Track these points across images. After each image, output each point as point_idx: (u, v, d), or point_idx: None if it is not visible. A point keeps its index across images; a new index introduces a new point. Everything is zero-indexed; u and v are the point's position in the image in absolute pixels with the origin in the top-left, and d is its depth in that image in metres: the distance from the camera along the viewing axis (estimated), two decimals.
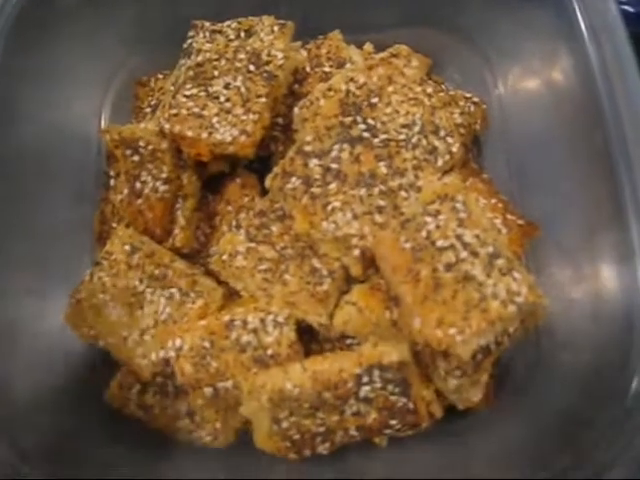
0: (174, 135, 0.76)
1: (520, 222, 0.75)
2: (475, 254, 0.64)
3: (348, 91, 0.75)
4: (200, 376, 0.70)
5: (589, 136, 0.74)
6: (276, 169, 0.73)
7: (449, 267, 0.64)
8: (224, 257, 0.76)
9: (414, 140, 0.73)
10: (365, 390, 0.66)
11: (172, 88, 0.79)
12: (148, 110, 0.90)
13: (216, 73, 0.77)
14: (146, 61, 0.95)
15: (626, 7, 1.00)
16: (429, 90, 0.76)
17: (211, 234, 0.83)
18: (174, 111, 0.76)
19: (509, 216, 0.75)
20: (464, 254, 0.64)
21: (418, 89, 0.76)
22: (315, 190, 0.71)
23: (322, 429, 0.68)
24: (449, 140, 0.74)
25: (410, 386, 0.66)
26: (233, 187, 0.84)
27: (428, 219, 0.67)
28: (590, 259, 0.74)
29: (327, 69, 0.84)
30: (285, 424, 0.68)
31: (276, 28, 0.80)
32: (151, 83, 0.93)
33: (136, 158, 0.79)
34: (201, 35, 0.81)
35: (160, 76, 0.93)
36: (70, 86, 0.92)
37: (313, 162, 0.72)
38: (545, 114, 0.83)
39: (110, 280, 0.75)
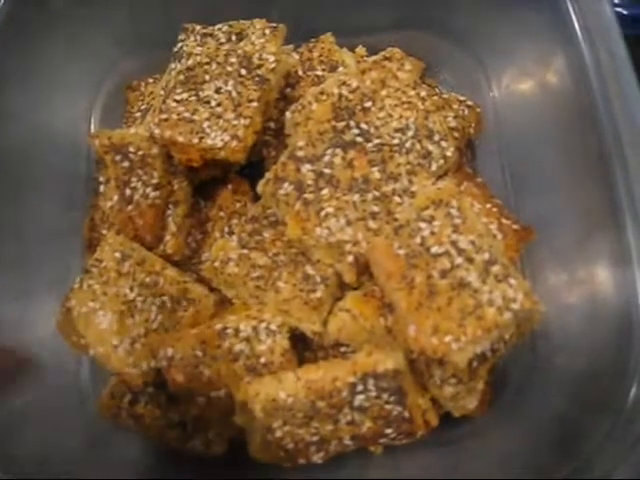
0: (164, 140, 0.75)
1: (515, 227, 0.74)
2: (470, 260, 0.63)
3: (341, 95, 0.74)
4: (192, 385, 0.69)
5: (584, 139, 0.74)
6: (268, 174, 0.72)
7: (444, 274, 0.63)
8: (216, 264, 0.75)
9: (408, 144, 0.73)
10: (360, 399, 0.65)
11: (162, 92, 0.78)
12: (138, 115, 0.89)
13: (207, 77, 0.76)
14: (137, 65, 0.94)
15: (619, 9, 0.99)
16: (423, 94, 0.75)
17: (203, 240, 0.82)
18: (164, 116, 0.75)
19: (504, 221, 0.75)
20: (459, 260, 0.63)
21: (412, 93, 0.75)
22: (308, 196, 0.70)
23: (316, 438, 0.67)
24: (443, 144, 0.74)
25: (405, 395, 0.65)
26: (225, 193, 0.83)
27: (422, 225, 0.66)
28: (585, 263, 0.74)
29: (319, 73, 0.83)
30: (279, 433, 0.67)
31: (268, 31, 0.79)
32: (141, 87, 0.92)
33: (126, 164, 0.78)
34: (192, 38, 0.80)
35: (150, 80, 0.92)
36: (60, 89, 0.91)
37: (306, 167, 0.71)
38: (540, 117, 0.83)
39: (100, 288, 0.74)
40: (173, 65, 0.80)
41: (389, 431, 0.66)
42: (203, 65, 0.77)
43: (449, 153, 0.74)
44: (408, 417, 0.66)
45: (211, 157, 0.74)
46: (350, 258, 0.69)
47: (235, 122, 0.73)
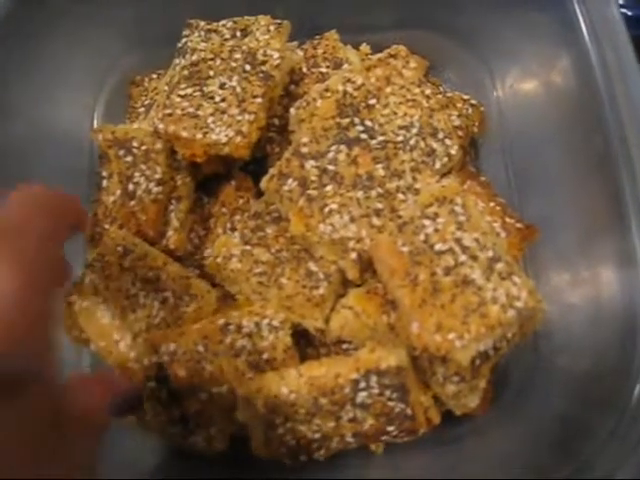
0: (168, 135, 0.75)
1: (519, 225, 0.74)
2: (474, 258, 0.63)
3: (345, 92, 0.74)
4: (194, 381, 0.68)
5: (589, 139, 0.74)
6: (272, 171, 0.72)
7: (448, 271, 0.63)
8: (219, 260, 0.75)
9: (412, 142, 0.73)
10: (362, 396, 0.65)
11: (166, 88, 0.77)
12: (142, 110, 0.89)
13: (211, 73, 0.76)
14: (140, 60, 0.94)
15: (624, 10, 0.99)
16: (427, 92, 0.76)
17: (205, 236, 0.81)
18: (168, 111, 0.75)
19: (508, 219, 0.75)
20: (463, 258, 0.63)
21: (416, 90, 0.75)
22: (311, 192, 0.70)
23: (318, 435, 0.67)
24: (447, 142, 0.74)
25: (408, 392, 0.65)
26: (228, 189, 0.83)
27: (426, 222, 0.66)
28: (589, 263, 0.74)
29: (324, 70, 0.83)
30: (281, 430, 0.66)
31: (272, 28, 0.79)
32: (145, 83, 0.92)
33: (129, 159, 0.77)
34: (196, 34, 0.80)
35: (154, 76, 0.91)
36: (62, 85, 0.90)
37: (310, 164, 0.71)
38: (544, 117, 0.83)
39: (102, 283, 0.74)
40: (177, 60, 0.80)
41: (391, 428, 0.66)
42: (207, 61, 0.77)
43: (453, 151, 0.74)
44: (410, 414, 0.66)
45: (215, 152, 0.74)
46: (353, 255, 0.69)
47: (239, 118, 0.73)
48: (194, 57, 0.78)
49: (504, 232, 0.74)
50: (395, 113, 0.74)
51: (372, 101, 0.74)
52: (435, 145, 0.73)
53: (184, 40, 0.81)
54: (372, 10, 0.92)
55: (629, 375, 0.64)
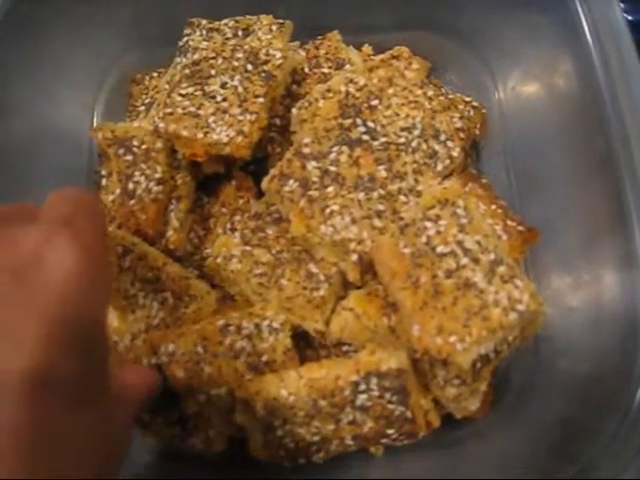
0: (169, 135, 0.74)
1: (520, 228, 0.74)
2: (476, 261, 0.63)
3: (347, 93, 0.73)
4: (193, 382, 0.68)
5: (591, 141, 0.74)
6: (273, 171, 0.72)
7: (449, 273, 0.63)
8: (218, 260, 0.74)
9: (414, 144, 0.72)
10: (362, 398, 0.65)
11: (167, 87, 0.77)
12: (142, 109, 0.88)
13: (213, 72, 0.76)
14: (141, 58, 0.93)
15: (625, 15, 0.99)
16: (430, 93, 0.75)
17: (205, 236, 0.81)
18: (169, 110, 0.74)
19: (509, 222, 0.74)
20: (465, 260, 0.63)
21: (419, 92, 0.75)
22: (313, 193, 0.69)
23: (317, 438, 0.67)
24: (449, 144, 0.73)
25: (408, 394, 0.65)
26: (228, 189, 0.82)
27: (428, 224, 0.65)
28: (591, 266, 0.73)
29: (326, 70, 0.83)
30: (280, 432, 0.66)
31: (274, 27, 0.78)
32: (145, 81, 0.92)
33: (129, 157, 0.77)
34: (197, 33, 0.79)
35: (155, 74, 0.91)
36: (62, 83, 0.90)
37: (311, 164, 0.70)
38: (546, 119, 0.82)
39: None
40: (178, 59, 0.79)
41: (391, 431, 0.66)
42: (209, 60, 0.77)
43: (455, 153, 0.73)
44: (410, 417, 0.65)
45: (216, 152, 0.74)
46: (354, 257, 0.68)
47: (241, 117, 0.73)
48: (195, 56, 0.77)
49: (505, 235, 0.73)
50: (397, 114, 0.73)
51: (374, 102, 0.73)
52: (437, 147, 0.73)
53: (185, 39, 0.80)
54: (374, 11, 0.92)
55: (630, 378, 0.64)
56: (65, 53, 0.89)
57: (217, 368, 0.68)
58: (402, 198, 0.70)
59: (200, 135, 0.72)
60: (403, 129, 0.73)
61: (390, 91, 0.74)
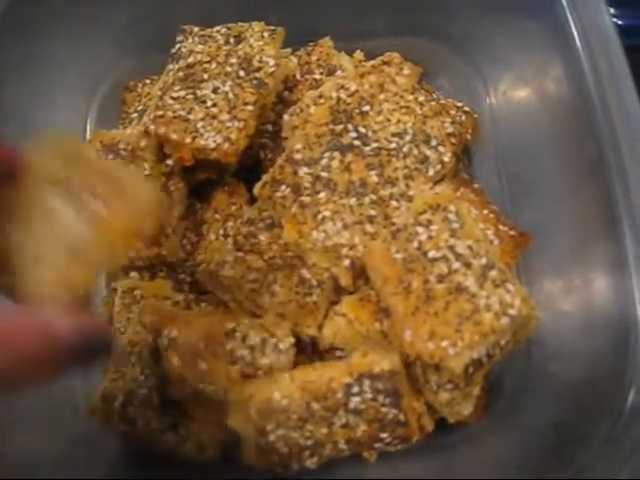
0: (158, 137, 0.75)
1: (512, 233, 0.74)
2: (468, 265, 0.63)
3: (339, 99, 0.74)
4: (185, 373, 0.68)
5: (582, 146, 0.74)
6: (265, 177, 0.72)
7: (441, 278, 0.63)
8: (211, 266, 0.74)
9: (405, 149, 0.72)
10: (355, 401, 0.65)
11: (159, 93, 0.77)
12: (135, 116, 0.88)
13: (206, 76, 0.76)
14: (134, 66, 0.93)
15: (615, 20, 1.00)
16: (421, 99, 0.76)
17: (198, 243, 0.81)
18: (160, 112, 0.75)
19: (501, 227, 0.75)
20: (456, 265, 0.63)
21: (410, 97, 0.75)
22: (305, 199, 0.69)
23: (310, 442, 0.66)
24: (441, 149, 0.73)
25: (401, 397, 0.65)
26: (221, 195, 0.82)
27: (420, 229, 0.66)
28: (582, 270, 0.74)
29: (317, 76, 0.83)
30: (272, 437, 0.66)
31: (266, 34, 0.79)
32: (138, 88, 0.92)
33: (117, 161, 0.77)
34: (190, 40, 0.80)
35: (148, 81, 0.91)
36: (56, 89, 0.90)
37: (303, 170, 0.70)
38: (537, 124, 0.83)
39: None
40: (171, 66, 0.79)
41: (384, 435, 0.66)
42: (203, 63, 0.77)
43: (446, 158, 0.74)
44: (403, 421, 0.65)
45: (203, 157, 0.74)
46: (346, 262, 0.68)
47: (229, 124, 0.73)
48: (190, 59, 0.77)
49: (497, 239, 0.73)
50: (388, 120, 0.73)
51: (365, 108, 0.73)
52: (428, 152, 0.73)
53: (178, 46, 0.80)
54: (366, 17, 0.92)
55: (622, 382, 0.64)
56: (59, 60, 0.89)
57: (212, 368, 0.68)
58: (394, 203, 0.70)
59: (188, 139, 0.73)
60: (394, 134, 0.73)
61: (381, 97, 0.75)
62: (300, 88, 0.83)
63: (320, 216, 0.69)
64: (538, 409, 0.73)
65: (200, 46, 0.78)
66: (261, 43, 0.78)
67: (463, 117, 0.86)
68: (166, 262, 0.77)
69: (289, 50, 0.83)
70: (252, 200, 0.78)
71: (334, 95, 0.74)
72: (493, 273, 0.63)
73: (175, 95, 0.75)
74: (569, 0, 0.76)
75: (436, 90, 0.91)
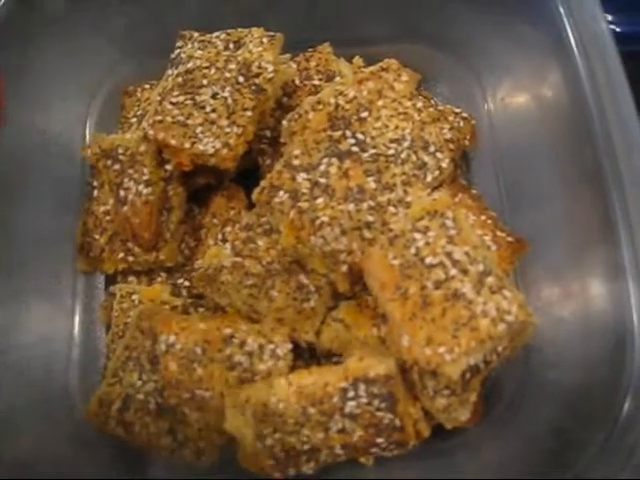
0: (158, 142, 0.75)
1: (509, 239, 0.74)
2: (465, 272, 0.63)
3: (337, 105, 0.74)
4: (182, 379, 0.68)
5: (579, 152, 0.74)
6: (263, 183, 0.72)
7: (438, 284, 0.63)
8: (209, 271, 0.74)
9: (403, 155, 0.73)
10: (351, 405, 0.65)
11: (159, 98, 0.78)
12: (134, 120, 0.89)
13: (205, 82, 0.76)
14: (133, 71, 0.94)
15: (613, 27, 1.00)
16: (419, 105, 0.76)
17: (196, 247, 0.81)
18: (159, 118, 0.75)
19: (498, 233, 0.75)
20: (453, 271, 0.63)
21: (408, 104, 0.75)
22: (303, 204, 0.70)
23: (307, 447, 0.66)
24: (438, 156, 0.74)
25: (397, 401, 0.65)
26: (219, 200, 0.83)
27: (417, 235, 0.66)
28: (579, 277, 0.74)
29: (316, 82, 0.83)
30: (269, 441, 0.66)
31: (265, 40, 0.79)
32: (137, 93, 0.92)
33: (117, 167, 0.78)
34: (189, 45, 0.80)
35: (147, 86, 0.92)
36: (56, 93, 0.91)
37: (301, 176, 0.71)
38: (535, 130, 0.83)
39: None
40: (170, 71, 0.80)
41: (380, 440, 0.66)
42: (202, 69, 0.77)
43: (444, 164, 0.74)
44: (399, 425, 0.65)
45: (201, 162, 0.74)
46: (344, 268, 0.69)
47: (228, 130, 0.73)
48: (189, 64, 0.78)
49: (495, 246, 0.74)
50: (387, 126, 0.74)
51: (364, 114, 0.74)
52: (426, 158, 0.73)
53: (177, 51, 0.81)
54: (365, 24, 0.93)
55: (619, 388, 0.64)
56: (58, 65, 0.90)
57: (209, 373, 0.68)
58: (391, 209, 0.70)
59: (187, 145, 0.73)
60: (392, 141, 0.73)
61: (379, 103, 0.75)
62: (299, 94, 0.84)
63: (318, 222, 0.69)
64: (536, 415, 0.73)
65: (199, 51, 0.79)
66: (260, 49, 0.78)
67: (461, 123, 0.86)
68: (164, 267, 0.78)
69: (288, 56, 0.83)
70: (251, 205, 0.78)
71: (332, 101, 0.74)
72: (490, 279, 0.63)
73: (174, 100, 0.75)
74: (566, 7, 0.77)
75: (435, 96, 0.92)
